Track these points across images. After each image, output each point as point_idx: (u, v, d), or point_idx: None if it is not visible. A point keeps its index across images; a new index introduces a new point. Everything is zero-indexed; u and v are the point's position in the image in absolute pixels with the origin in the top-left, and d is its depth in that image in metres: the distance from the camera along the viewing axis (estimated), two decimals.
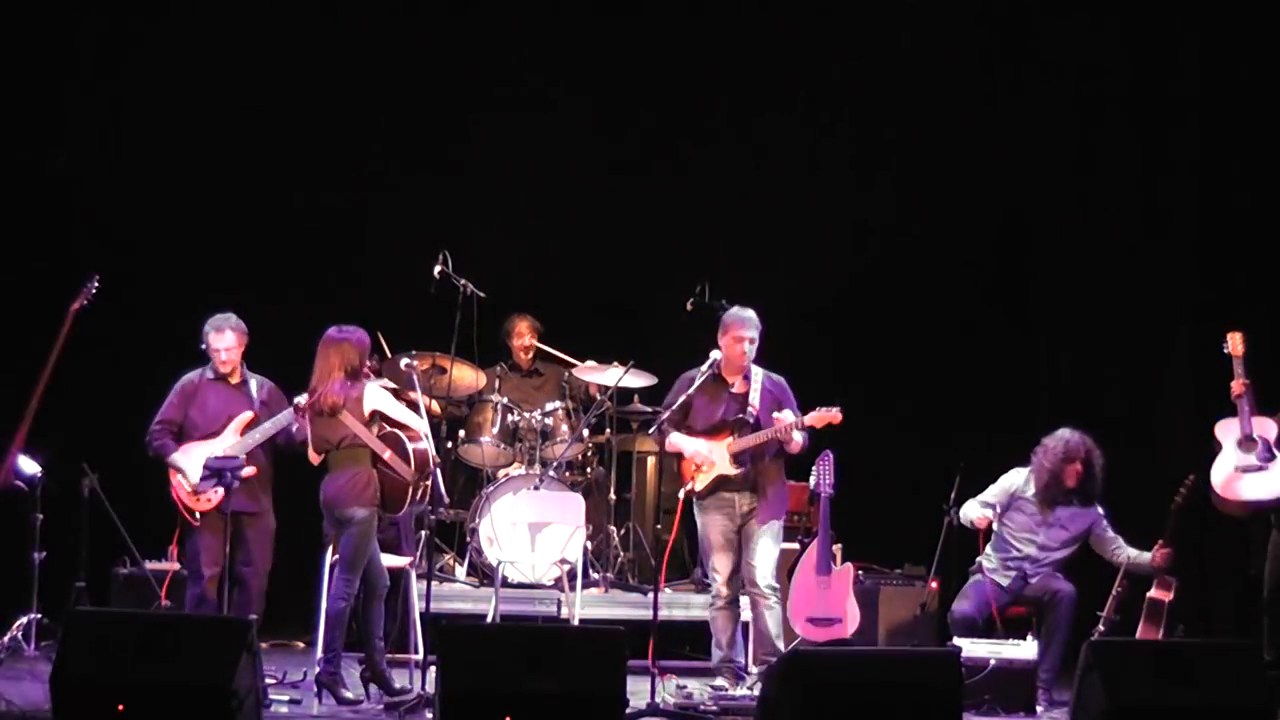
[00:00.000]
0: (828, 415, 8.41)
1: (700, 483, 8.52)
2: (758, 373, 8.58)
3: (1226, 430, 8.66)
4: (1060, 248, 10.69)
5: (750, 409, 8.49)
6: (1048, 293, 10.71)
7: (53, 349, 8.98)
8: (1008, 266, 10.75)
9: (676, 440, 8.56)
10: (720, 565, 8.52)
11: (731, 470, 8.46)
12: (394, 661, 8.38)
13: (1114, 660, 6.73)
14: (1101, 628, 8.68)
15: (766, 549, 8.48)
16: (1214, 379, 10.13)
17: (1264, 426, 8.60)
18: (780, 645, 8.47)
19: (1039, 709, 8.28)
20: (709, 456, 8.48)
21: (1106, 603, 8.77)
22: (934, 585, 9.26)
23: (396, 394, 8.44)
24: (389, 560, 8.41)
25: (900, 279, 10.77)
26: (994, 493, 8.95)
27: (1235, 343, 8.67)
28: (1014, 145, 10.65)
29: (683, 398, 8.53)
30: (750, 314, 8.55)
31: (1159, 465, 10.29)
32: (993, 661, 8.23)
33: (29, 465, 8.99)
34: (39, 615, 8.92)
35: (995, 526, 8.89)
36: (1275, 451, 8.51)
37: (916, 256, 10.77)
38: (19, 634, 8.87)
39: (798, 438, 8.46)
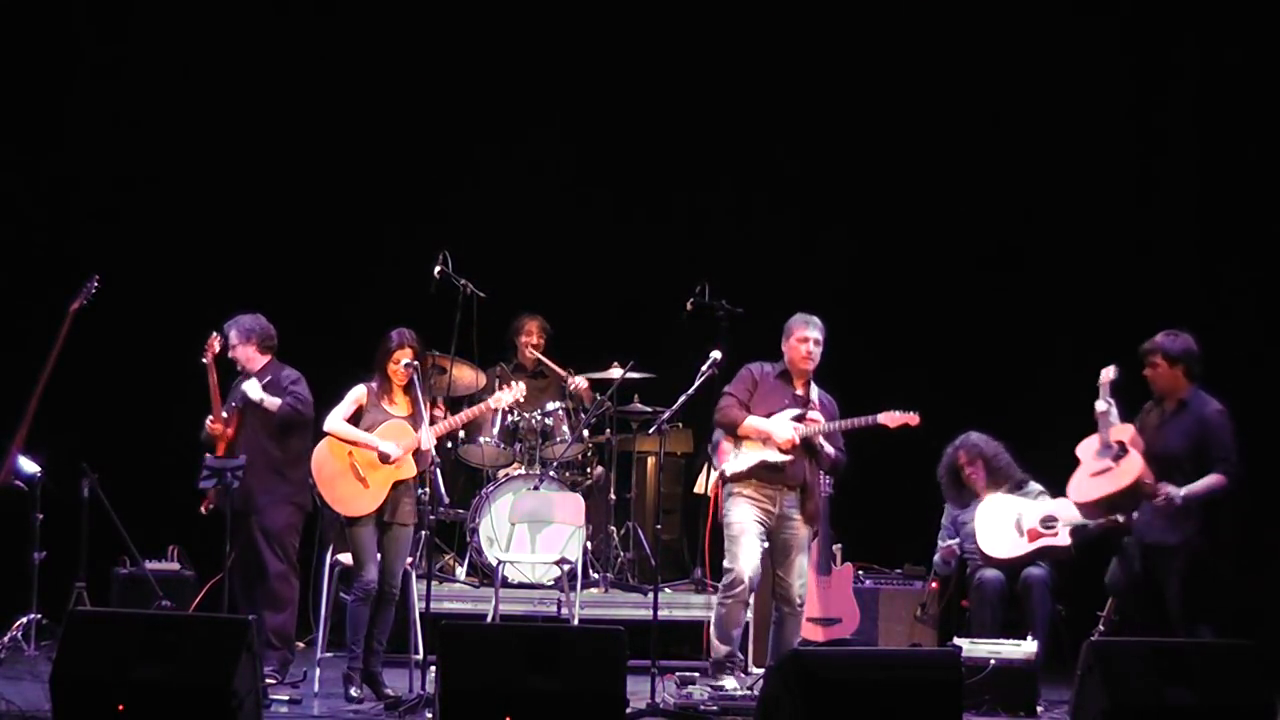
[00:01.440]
0: (904, 417, 8.33)
1: (739, 463, 8.31)
2: (813, 386, 8.49)
3: (1086, 447, 8.43)
4: (1058, 248, 10.68)
5: (813, 405, 8.38)
6: (1047, 292, 10.70)
7: (53, 349, 8.99)
8: (1005, 266, 10.73)
9: (752, 421, 8.29)
10: (748, 555, 8.27)
11: (779, 457, 8.26)
12: (394, 661, 8.37)
13: (1114, 660, 6.73)
14: (1101, 628, 8.68)
15: (804, 565, 8.45)
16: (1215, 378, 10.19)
17: (1122, 433, 8.36)
18: None
19: (1039, 709, 8.28)
20: (777, 431, 8.24)
21: (1106, 603, 8.77)
22: (934, 585, 9.26)
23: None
24: None
25: (899, 279, 10.78)
26: (942, 534, 9.10)
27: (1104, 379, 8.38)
28: (1010, 142, 10.66)
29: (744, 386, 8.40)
30: (814, 317, 8.43)
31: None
32: (993, 661, 8.23)
33: (29, 465, 9.00)
34: (39, 615, 8.92)
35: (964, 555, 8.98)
36: (1129, 448, 8.23)
37: (915, 258, 10.77)
38: (19, 634, 8.88)
39: (829, 449, 8.38)
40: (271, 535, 8.56)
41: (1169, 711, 6.60)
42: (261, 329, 8.70)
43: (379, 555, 8.17)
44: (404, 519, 8.20)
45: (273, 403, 8.51)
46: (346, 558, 8.42)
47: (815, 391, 8.45)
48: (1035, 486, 8.98)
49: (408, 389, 8.22)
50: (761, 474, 8.32)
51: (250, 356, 8.68)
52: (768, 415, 8.34)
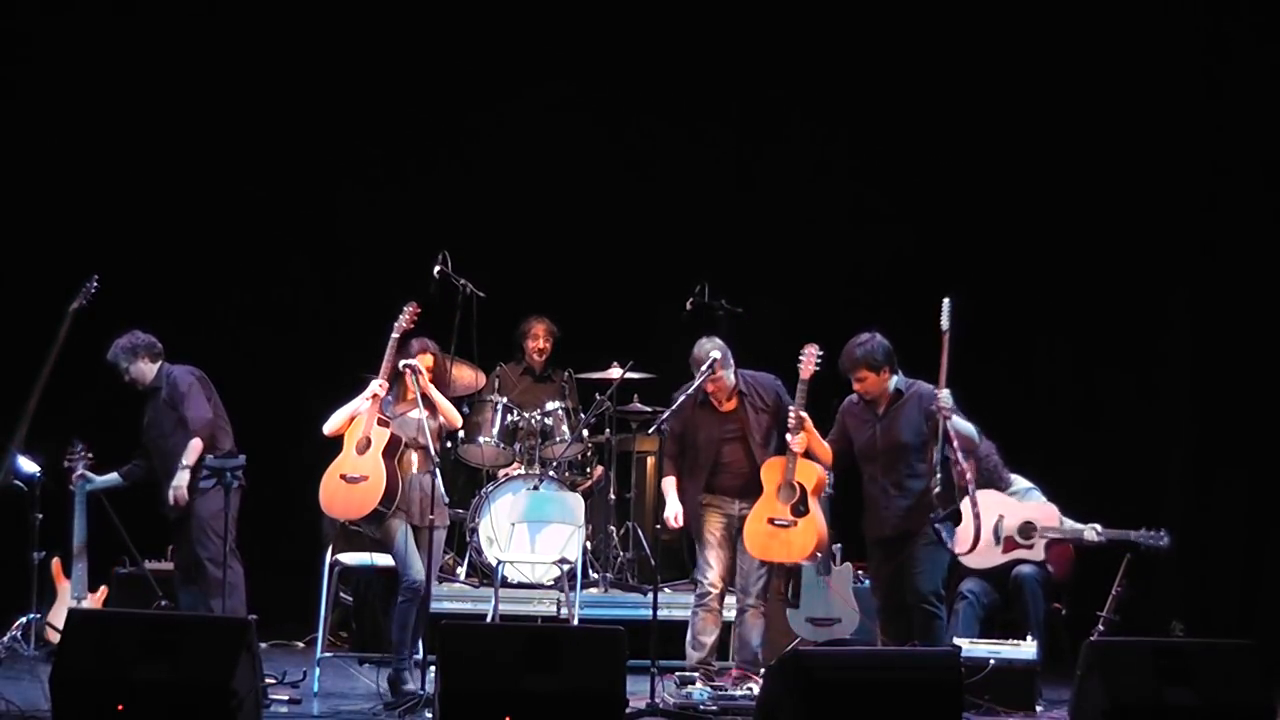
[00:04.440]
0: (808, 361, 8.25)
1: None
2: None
3: (771, 472, 8.35)
4: (1059, 248, 10.67)
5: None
6: (1046, 291, 10.68)
7: (53, 349, 8.99)
8: (1004, 265, 10.73)
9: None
10: (715, 560, 8.51)
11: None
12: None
13: (1114, 660, 6.73)
14: (1101, 628, 8.68)
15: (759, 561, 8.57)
16: (1214, 376, 10.18)
17: (807, 473, 8.29)
18: (760, 655, 8.55)
19: (1039, 709, 8.28)
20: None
21: (1106, 603, 8.77)
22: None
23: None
24: (386, 560, 8.36)
25: (899, 278, 10.77)
26: None
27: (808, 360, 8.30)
28: (1005, 140, 10.64)
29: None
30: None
31: (1157, 463, 10.33)
32: (993, 661, 8.23)
33: (29, 465, 9.00)
34: (39, 615, 8.93)
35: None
36: (810, 505, 8.21)
37: (915, 256, 10.76)
38: (19, 634, 8.88)
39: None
40: (202, 520, 8.54)
41: (1169, 711, 6.60)
42: (142, 342, 8.73)
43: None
44: (419, 520, 8.21)
45: (194, 454, 8.52)
46: (346, 558, 8.42)
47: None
48: (1022, 484, 8.94)
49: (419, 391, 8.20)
50: (717, 488, 8.52)
51: (144, 372, 8.71)
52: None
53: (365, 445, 8.12)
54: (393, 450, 8.14)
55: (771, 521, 8.31)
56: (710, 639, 8.54)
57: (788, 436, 8.30)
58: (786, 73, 10.86)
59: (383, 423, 8.15)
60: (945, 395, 7.99)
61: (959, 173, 10.72)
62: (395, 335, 8.21)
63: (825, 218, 10.86)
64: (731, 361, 8.52)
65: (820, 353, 8.32)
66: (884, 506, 8.19)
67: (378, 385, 8.15)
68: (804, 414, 8.20)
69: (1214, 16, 10.25)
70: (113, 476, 8.92)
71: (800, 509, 8.28)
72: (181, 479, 8.47)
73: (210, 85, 10.60)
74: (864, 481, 8.31)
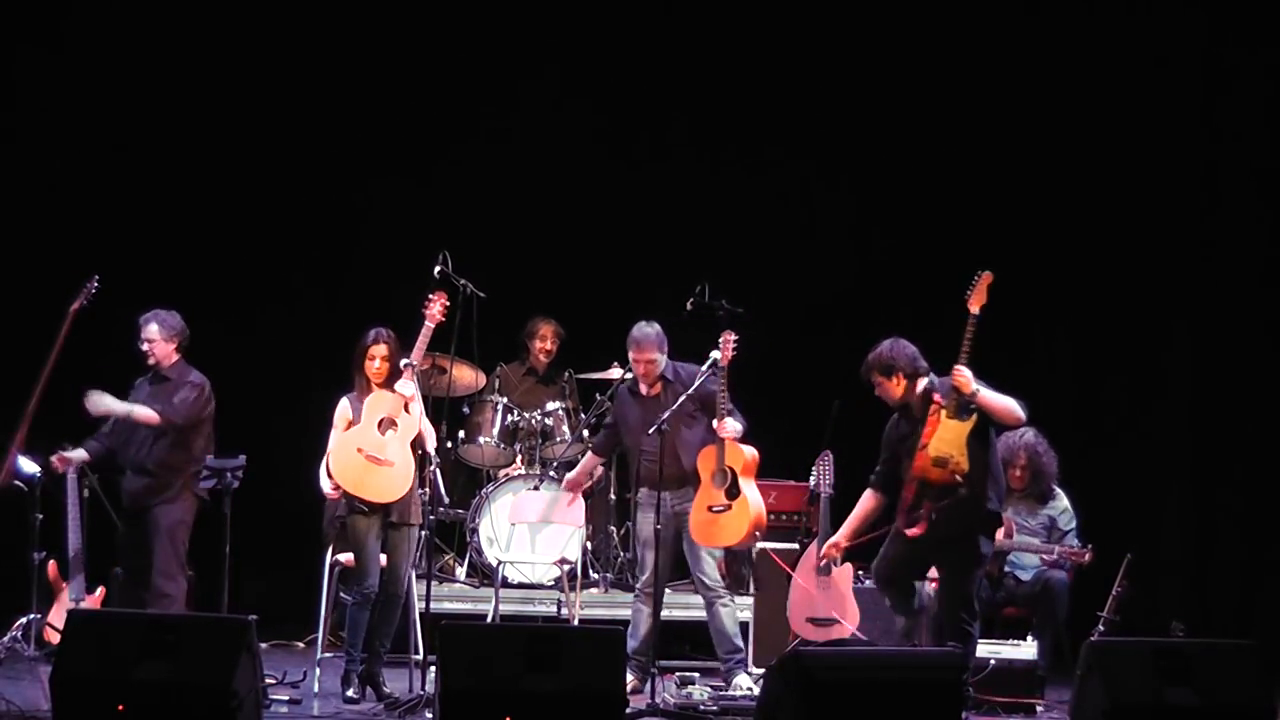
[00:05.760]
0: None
1: None
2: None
3: (705, 461, 8.43)
4: (1059, 248, 10.67)
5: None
6: (1046, 291, 10.68)
7: (53, 349, 8.99)
8: (1008, 265, 10.70)
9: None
10: (647, 560, 8.56)
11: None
12: (394, 661, 8.37)
13: (1114, 660, 6.74)
14: (1101, 628, 8.68)
15: (706, 552, 8.54)
16: (1215, 377, 10.18)
17: (736, 456, 8.32)
18: (739, 642, 8.58)
19: (1039, 708, 8.28)
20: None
21: (1106, 603, 8.76)
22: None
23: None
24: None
25: (900, 278, 10.78)
26: None
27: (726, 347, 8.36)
28: (1005, 142, 10.64)
29: None
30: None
31: (1158, 464, 10.32)
32: (993, 661, 8.23)
33: (29, 465, 8.99)
34: (39, 615, 8.93)
35: None
36: (741, 487, 8.28)
37: (915, 254, 10.76)
38: (19, 634, 8.88)
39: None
40: (163, 530, 8.55)
41: (1169, 711, 6.61)
42: (184, 329, 8.76)
43: (384, 556, 8.18)
44: (412, 519, 8.20)
45: (147, 415, 8.52)
46: (346, 557, 8.42)
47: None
48: (1061, 502, 8.93)
49: (389, 386, 8.18)
50: (649, 483, 8.55)
51: (168, 354, 8.72)
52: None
53: (389, 425, 8.08)
54: (415, 445, 8.12)
55: (710, 509, 8.39)
56: (644, 627, 8.52)
57: (715, 423, 8.35)
58: (787, 75, 10.86)
59: (407, 408, 8.09)
60: (963, 370, 7.77)
61: (965, 188, 10.71)
62: (430, 325, 8.18)
63: (826, 222, 10.87)
64: (662, 346, 8.60)
65: (736, 338, 8.36)
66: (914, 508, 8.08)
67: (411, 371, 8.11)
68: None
69: (1215, 45, 10.28)
70: (80, 453, 8.87)
71: (733, 492, 8.35)
72: (117, 407, 8.52)
73: (213, 86, 10.61)
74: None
